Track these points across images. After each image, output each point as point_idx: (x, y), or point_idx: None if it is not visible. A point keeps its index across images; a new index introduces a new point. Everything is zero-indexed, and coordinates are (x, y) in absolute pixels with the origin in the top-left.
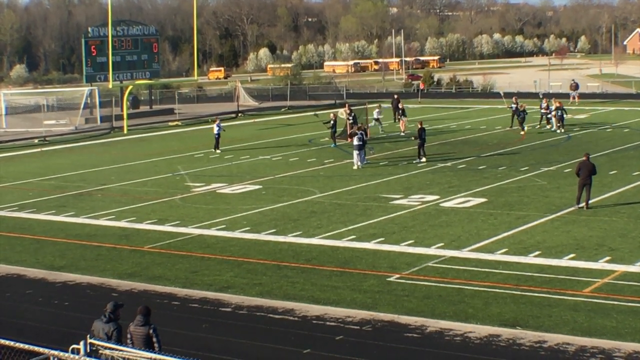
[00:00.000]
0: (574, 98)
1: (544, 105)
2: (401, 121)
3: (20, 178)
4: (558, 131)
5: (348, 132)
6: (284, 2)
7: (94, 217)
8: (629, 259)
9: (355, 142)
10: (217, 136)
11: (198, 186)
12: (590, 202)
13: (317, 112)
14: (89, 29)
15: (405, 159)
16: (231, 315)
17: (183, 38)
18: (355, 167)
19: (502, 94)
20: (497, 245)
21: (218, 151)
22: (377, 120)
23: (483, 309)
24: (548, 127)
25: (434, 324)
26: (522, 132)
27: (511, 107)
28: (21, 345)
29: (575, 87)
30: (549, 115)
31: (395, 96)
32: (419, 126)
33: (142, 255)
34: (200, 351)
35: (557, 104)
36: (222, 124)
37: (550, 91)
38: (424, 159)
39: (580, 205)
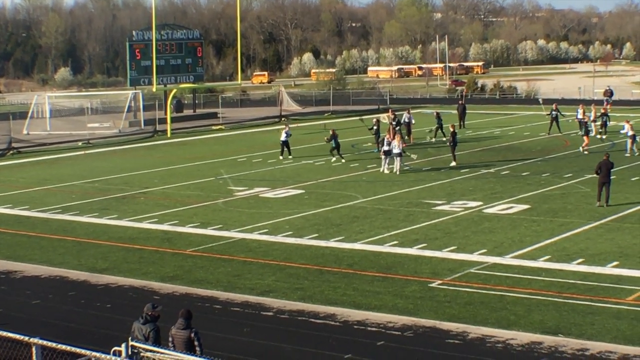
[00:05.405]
0: (607, 104)
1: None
2: (586, 137)
3: (64, 180)
4: (600, 137)
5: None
6: (328, 7)
7: (137, 220)
8: None
9: (396, 149)
10: (282, 142)
11: (241, 190)
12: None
13: (363, 117)
14: (134, 33)
15: (449, 164)
16: (273, 320)
17: (227, 42)
18: (394, 170)
19: (540, 101)
20: (540, 252)
21: (281, 157)
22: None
23: (525, 316)
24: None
25: (476, 330)
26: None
27: (550, 114)
28: (63, 347)
29: (610, 93)
30: (595, 122)
31: (460, 102)
32: (452, 129)
33: (184, 258)
34: (241, 355)
35: (602, 111)
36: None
37: (595, 98)
38: (453, 163)
39: (600, 203)
